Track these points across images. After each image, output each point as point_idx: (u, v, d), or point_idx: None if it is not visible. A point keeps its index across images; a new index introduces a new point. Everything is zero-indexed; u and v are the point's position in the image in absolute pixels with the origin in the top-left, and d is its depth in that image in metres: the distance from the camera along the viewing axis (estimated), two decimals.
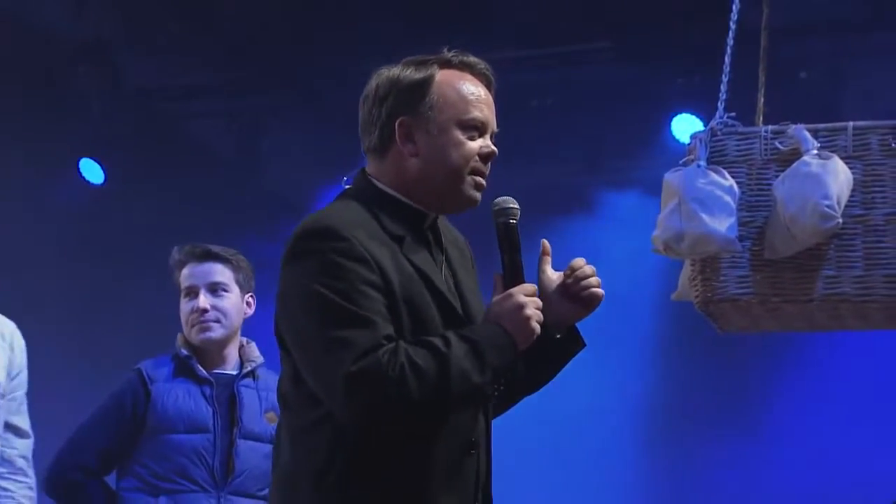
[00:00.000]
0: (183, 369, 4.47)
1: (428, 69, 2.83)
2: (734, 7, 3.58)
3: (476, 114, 2.82)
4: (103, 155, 7.92)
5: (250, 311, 4.59)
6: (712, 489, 7.64)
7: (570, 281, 2.94)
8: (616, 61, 7.26)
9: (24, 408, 4.05)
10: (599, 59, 7.27)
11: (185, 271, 4.51)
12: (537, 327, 2.76)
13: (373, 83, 2.86)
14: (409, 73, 2.82)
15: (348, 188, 2.87)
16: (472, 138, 2.82)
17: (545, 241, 2.95)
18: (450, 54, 2.86)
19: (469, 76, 2.85)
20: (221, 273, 4.51)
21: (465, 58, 2.86)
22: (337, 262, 2.65)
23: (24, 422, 4.05)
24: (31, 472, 4.07)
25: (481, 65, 2.87)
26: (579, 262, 2.96)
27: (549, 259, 2.98)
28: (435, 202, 2.84)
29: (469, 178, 2.82)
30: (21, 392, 4.03)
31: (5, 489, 4.00)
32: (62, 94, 7.44)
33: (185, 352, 4.48)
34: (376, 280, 2.66)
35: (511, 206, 2.83)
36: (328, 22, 7.05)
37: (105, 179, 7.93)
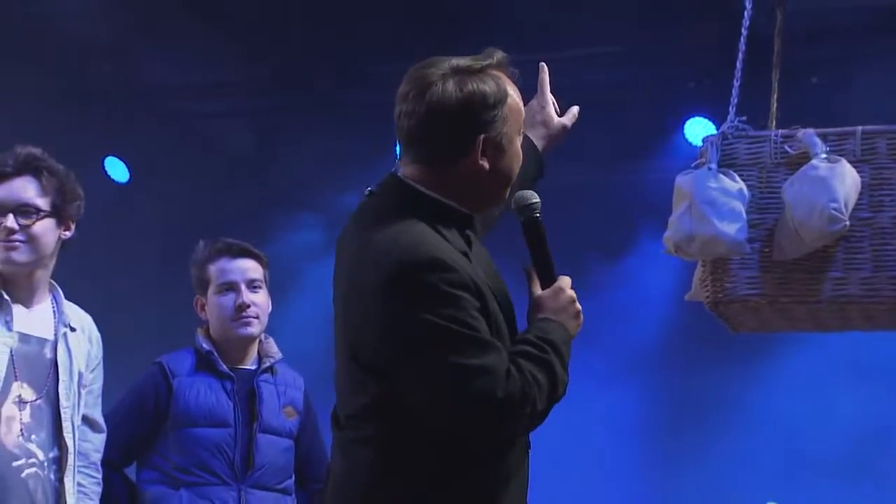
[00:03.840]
0: (204, 364, 4.45)
1: (500, 84, 2.77)
2: (746, 13, 3.58)
3: (522, 120, 2.85)
4: (128, 154, 7.95)
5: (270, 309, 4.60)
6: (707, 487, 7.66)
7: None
8: (628, 65, 7.26)
9: (100, 401, 4.01)
10: (611, 63, 7.28)
11: (218, 266, 4.48)
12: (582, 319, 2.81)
13: (436, 90, 2.73)
14: (486, 87, 2.75)
15: (391, 198, 2.78)
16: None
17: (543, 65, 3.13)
18: (500, 56, 2.81)
19: (510, 81, 2.82)
20: (256, 270, 4.50)
21: (504, 59, 2.82)
22: (451, 293, 2.61)
23: (99, 416, 4.01)
24: (100, 468, 4.02)
25: (512, 67, 2.86)
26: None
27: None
28: (483, 206, 2.84)
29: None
30: (98, 385, 3.99)
31: (79, 484, 3.94)
32: (88, 94, 7.47)
33: (206, 346, 4.46)
34: (478, 304, 2.66)
35: (534, 200, 2.83)
36: (346, 23, 7.06)
37: (130, 178, 7.98)
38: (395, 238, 2.68)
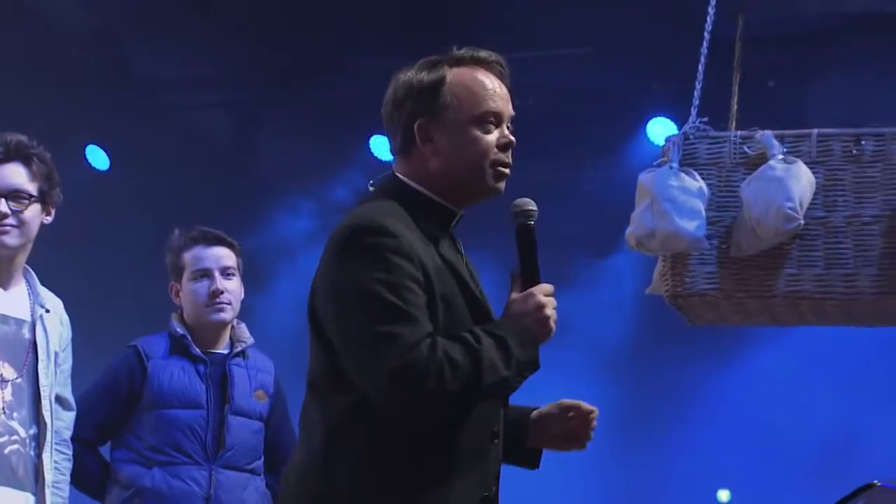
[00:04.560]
0: (178, 347, 4.44)
1: (440, 70, 2.80)
2: (709, 19, 3.59)
3: (489, 105, 2.80)
4: (108, 142, 7.91)
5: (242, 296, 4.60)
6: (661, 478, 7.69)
7: (574, 422, 2.96)
8: (593, 66, 7.26)
9: (69, 381, 4.01)
10: (577, 64, 7.28)
11: (193, 253, 4.47)
12: (554, 326, 2.76)
13: (391, 88, 2.84)
14: (423, 76, 2.80)
15: (381, 187, 2.83)
16: (488, 131, 2.80)
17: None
18: (461, 52, 2.84)
19: (481, 70, 2.82)
20: (229, 258, 4.50)
21: (475, 53, 2.83)
22: (388, 258, 2.63)
23: (69, 394, 4.01)
24: (71, 444, 4.02)
25: (492, 57, 2.85)
26: (587, 406, 2.96)
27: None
28: (462, 196, 2.82)
29: (490, 170, 2.80)
30: (68, 365, 3.98)
31: (52, 460, 3.93)
32: (71, 83, 7.42)
33: (180, 330, 4.45)
34: (419, 277, 2.65)
35: (530, 208, 2.81)
36: (325, 19, 7.04)
37: (110, 166, 7.94)
38: (359, 211, 2.75)
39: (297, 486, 2.74)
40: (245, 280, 4.59)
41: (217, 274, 4.45)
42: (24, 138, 3.84)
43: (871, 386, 7.28)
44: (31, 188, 3.80)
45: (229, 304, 4.45)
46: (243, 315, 4.61)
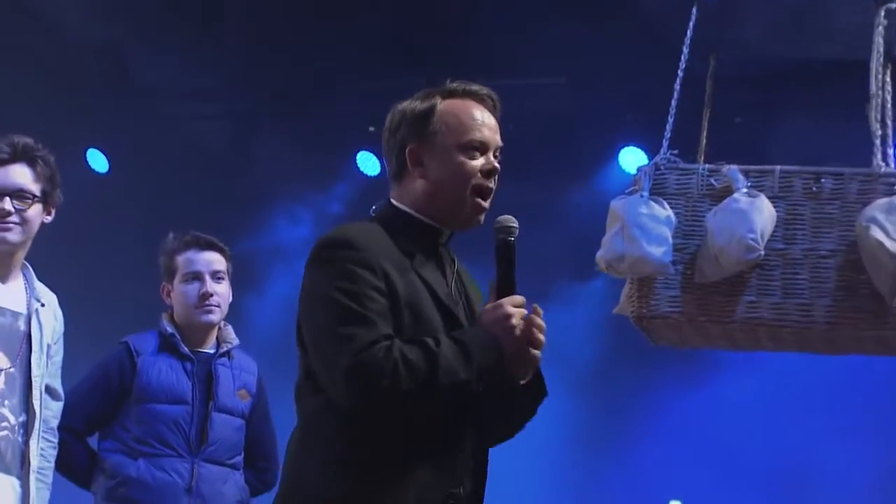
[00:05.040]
0: (167, 345, 4.45)
1: (432, 100, 2.88)
2: (683, 58, 3.61)
3: (474, 136, 2.85)
4: (108, 146, 7.89)
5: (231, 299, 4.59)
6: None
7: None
8: (572, 96, 7.28)
9: (59, 372, 4.00)
10: (555, 93, 7.29)
11: (185, 256, 4.48)
12: (520, 335, 2.77)
13: (389, 117, 2.92)
14: (416, 105, 2.88)
15: (376, 211, 2.92)
16: (473, 157, 2.85)
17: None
18: (454, 85, 2.90)
19: (471, 102, 2.89)
20: (220, 262, 4.51)
21: (467, 87, 2.90)
22: (349, 268, 2.71)
23: (59, 385, 4.00)
24: (57, 433, 4.01)
25: (483, 91, 2.91)
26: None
27: None
28: (446, 217, 2.88)
29: (471, 200, 2.85)
30: (59, 357, 3.98)
31: (39, 447, 3.91)
32: (75, 89, 7.39)
33: (170, 329, 4.46)
34: (381, 286, 2.71)
35: (512, 224, 2.83)
36: (319, 35, 7.06)
37: (109, 169, 7.91)
38: (335, 228, 2.85)
39: (281, 478, 2.83)
40: (236, 281, 4.60)
41: (207, 277, 4.45)
42: (30, 141, 3.85)
43: (827, 416, 7.28)
44: (35, 189, 3.81)
45: (218, 306, 4.46)
46: (234, 315, 4.61)
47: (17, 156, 3.80)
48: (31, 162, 3.81)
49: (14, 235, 3.78)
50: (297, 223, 7.98)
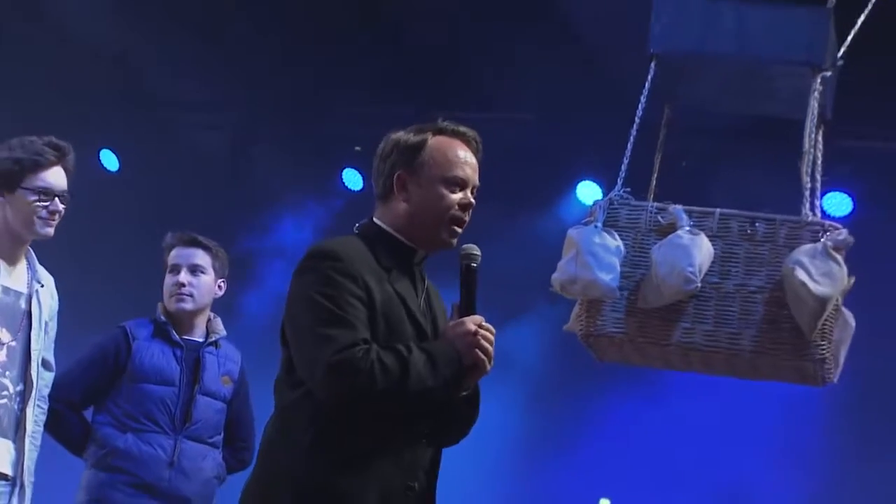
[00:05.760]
0: (160, 332, 4.47)
1: (424, 135, 2.92)
2: (640, 105, 3.64)
3: (457, 172, 2.91)
4: (119, 148, 7.88)
5: (220, 293, 4.60)
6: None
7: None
8: (536, 131, 7.32)
9: (53, 345, 4.00)
10: (522, 128, 7.33)
11: (173, 252, 4.53)
12: (479, 351, 2.82)
13: (382, 144, 2.95)
14: (409, 137, 2.92)
15: (359, 228, 2.94)
16: (453, 191, 2.90)
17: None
18: (444, 124, 2.96)
19: (458, 142, 2.94)
20: (201, 258, 4.52)
21: (456, 128, 2.96)
22: (333, 277, 2.74)
23: (52, 357, 4.00)
24: (48, 400, 4.00)
25: (470, 133, 2.96)
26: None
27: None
28: (422, 239, 2.92)
29: (447, 228, 2.90)
30: (54, 333, 3.98)
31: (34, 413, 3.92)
32: (92, 94, 7.38)
33: (163, 318, 4.49)
34: (362, 295, 2.76)
35: (474, 252, 2.89)
36: (316, 54, 7.09)
37: (119, 168, 7.91)
38: (321, 241, 2.89)
39: (257, 459, 2.86)
40: (233, 277, 4.62)
41: (184, 269, 4.48)
42: (66, 144, 3.84)
43: (758, 443, 7.27)
44: (67, 189, 3.83)
45: (190, 296, 4.47)
46: (228, 309, 4.63)
47: (60, 158, 3.81)
48: (67, 164, 3.82)
49: (52, 230, 3.81)
50: (290, 227, 7.98)
